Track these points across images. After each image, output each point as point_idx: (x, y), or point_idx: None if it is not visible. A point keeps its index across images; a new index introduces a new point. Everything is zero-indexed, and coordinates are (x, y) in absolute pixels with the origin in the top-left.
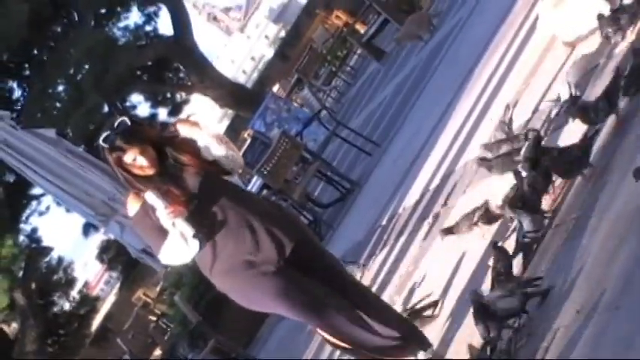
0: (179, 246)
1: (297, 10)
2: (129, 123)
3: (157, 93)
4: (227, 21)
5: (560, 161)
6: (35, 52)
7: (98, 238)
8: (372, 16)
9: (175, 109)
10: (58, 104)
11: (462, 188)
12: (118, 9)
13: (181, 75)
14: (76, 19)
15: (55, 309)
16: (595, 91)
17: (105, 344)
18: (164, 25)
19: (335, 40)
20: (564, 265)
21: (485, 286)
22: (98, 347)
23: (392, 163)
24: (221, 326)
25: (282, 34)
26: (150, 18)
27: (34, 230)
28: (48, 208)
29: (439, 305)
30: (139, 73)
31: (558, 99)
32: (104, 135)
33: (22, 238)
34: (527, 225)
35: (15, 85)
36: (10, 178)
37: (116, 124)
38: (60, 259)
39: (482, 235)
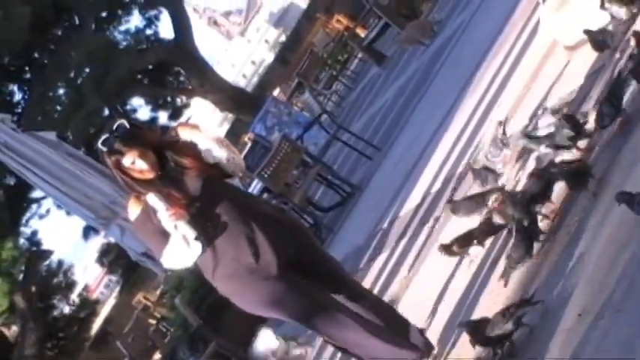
0: (181, 249)
1: (297, 15)
2: (127, 126)
3: (157, 97)
4: (227, 25)
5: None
6: (36, 55)
7: (98, 241)
8: (372, 20)
9: (176, 113)
10: (58, 107)
11: (462, 192)
12: (119, 12)
13: (182, 79)
14: (77, 22)
15: (55, 312)
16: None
17: (105, 347)
18: (165, 29)
19: (336, 44)
20: (566, 268)
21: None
22: (98, 350)
23: (393, 167)
24: (222, 329)
25: (283, 38)
26: (151, 22)
27: (35, 233)
28: (48, 211)
29: None
30: (139, 76)
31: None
32: (102, 138)
33: (22, 241)
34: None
35: (16, 88)
36: (11, 181)
37: (115, 127)
38: (60, 263)
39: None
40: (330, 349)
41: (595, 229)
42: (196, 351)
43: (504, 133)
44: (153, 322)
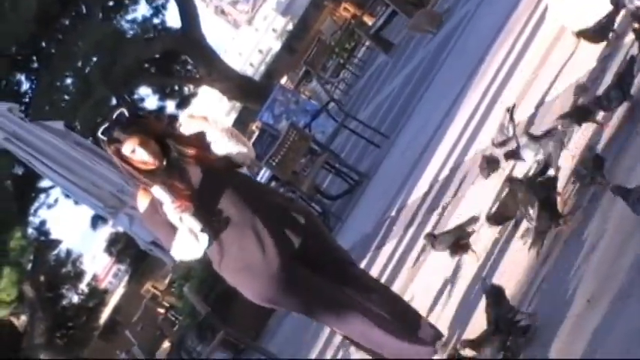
0: (189, 241)
1: (304, 3)
2: (127, 114)
3: (164, 86)
4: (234, 14)
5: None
6: (43, 44)
7: (106, 230)
8: (380, 7)
9: (183, 102)
10: (66, 97)
11: (471, 179)
12: (126, 2)
13: (189, 67)
14: (84, 11)
15: (64, 302)
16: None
17: (114, 337)
18: (172, 17)
19: (343, 32)
20: (574, 254)
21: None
22: (107, 340)
23: (400, 155)
24: (230, 318)
25: (290, 26)
26: (158, 11)
27: (43, 223)
28: (56, 200)
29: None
30: (146, 65)
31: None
32: (103, 127)
33: (30, 230)
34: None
35: (23, 77)
36: (19, 171)
37: (115, 116)
38: (68, 252)
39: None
40: (337, 340)
41: (603, 215)
42: (205, 339)
43: (512, 119)
44: (161, 311)
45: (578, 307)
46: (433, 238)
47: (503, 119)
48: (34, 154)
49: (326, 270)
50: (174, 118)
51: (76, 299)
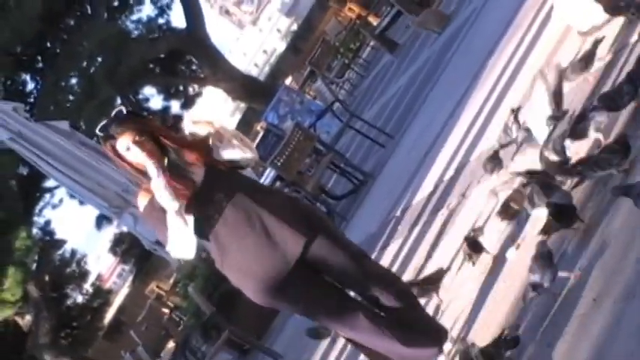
0: (181, 238)
1: (309, 4)
2: (124, 111)
3: (169, 85)
4: (239, 14)
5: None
6: (48, 44)
7: (111, 230)
8: (385, 8)
9: (188, 102)
10: (71, 97)
11: (476, 179)
12: (131, 2)
13: (194, 67)
14: (89, 12)
15: (69, 301)
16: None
17: (118, 336)
18: (177, 17)
19: (348, 33)
20: (580, 253)
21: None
22: (111, 339)
23: (405, 155)
24: (234, 318)
25: (294, 27)
26: (162, 11)
27: (48, 223)
28: (61, 200)
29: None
30: (151, 65)
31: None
32: (101, 124)
33: (35, 230)
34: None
35: (28, 77)
36: (24, 171)
37: (113, 113)
38: (73, 252)
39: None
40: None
41: (611, 213)
42: (209, 339)
43: (517, 120)
44: (166, 311)
45: (584, 306)
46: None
47: (508, 120)
48: (39, 153)
49: (334, 269)
50: (178, 119)
51: (80, 299)
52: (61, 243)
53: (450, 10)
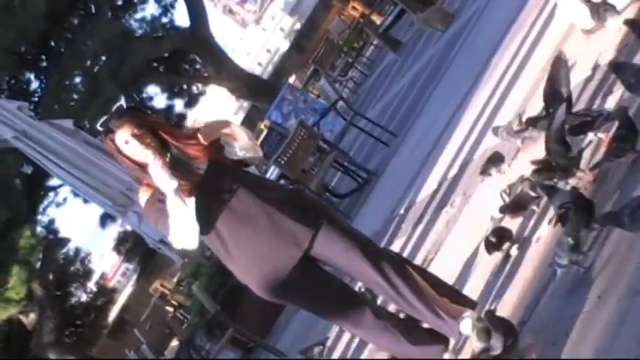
0: (183, 225)
1: (312, 3)
2: (124, 106)
3: (173, 84)
4: (242, 13)
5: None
6: (52, 43)
7: (115, 229)
8: (388, 6)
9: (192, 101)
10: (75, 96)
11: (479, 177)
12: (135, 1)
13: (198, 66)
14: (93, 10)
15: (73, 300)
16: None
17: (122, 335)
18: (181, 16)
19: (351, 31)
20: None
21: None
22: (115, 338)
23: (409, 153)
24: (239, 316)
25: (298, 26)
26: (166, 9)
27: (52, 221)
28: (65, 199)
29: None
30: (155, 64)
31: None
32: (102, 120)
33: (39, 229)
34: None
35: (32, 76)
36: (28, 170)
37: (113, 109)
38: (77, 251)
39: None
40: (345, 338)
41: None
42: (213, 337)
43: (521, 123)
44: (170, 309)
45: (589, 304)
46: None
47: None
48: (44, 152)
49: (342, 257)
50: (182, 117)
51: (84, 298)
52: (65, 241)
53: (453, 8)
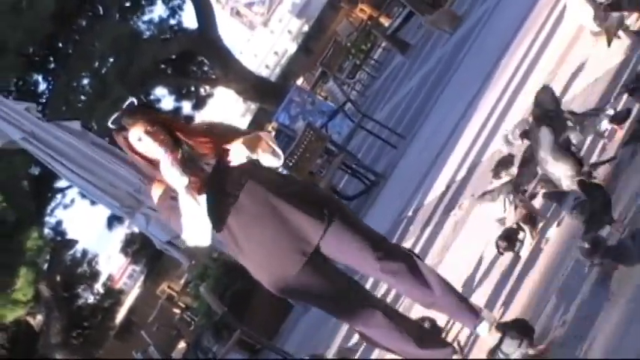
0: (195, 222)
1: (319, 5)
2: (135, 103)
3: (181, 86)
4: (250, 16)
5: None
6: (60, 45)
7: (122, 231)
8: (396, 8)
9: (199, 103)
10: (82, 97)
11: (488, 179)
12: (143, 2)
13: (205, 68)
14: (101, 12)
15: (80, 302)
16: None
17: (129, 337)
18: (188, 18)
19: (359, 33)
20: None
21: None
22: (122, 340)
23: (417, 155)
24: (246, 318)
25: (305, 28)
26: (174, 11)
27: (59, 223)
28: (73, 201)
29: None
30: (163, 66)
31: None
32: (113, 117)
33: (47, 230)
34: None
35: (40, 77)
36: (36, 171)
37: (125, 106)
38: (84, 252)
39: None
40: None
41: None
42: (221, 339)
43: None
44: (177, 311)
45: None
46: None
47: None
48: (51, 153)
49: (354, 251)
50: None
51: (91, 299)
52: (72, 243)
53: (462, 10)
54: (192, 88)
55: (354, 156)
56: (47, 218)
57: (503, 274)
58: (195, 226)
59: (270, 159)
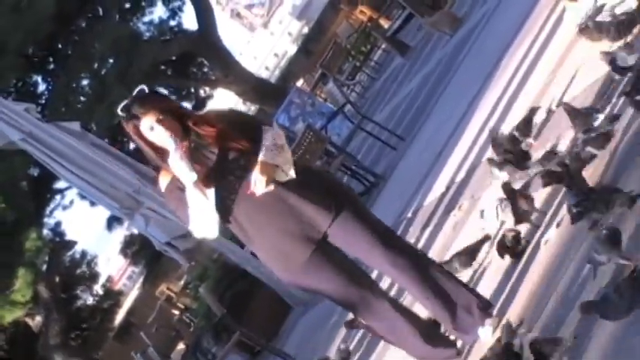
0: (202, 215)
1: (320, 7)
2: (146, 90)
3: (181, 87)
4: (250, 17)
5: None
6: (60, 45)
7: (121, 232)
8: (396, 10)
9: (199, 104)
10: (82, 98)
11: (487, 180)
12: (143, 3)
13: (205, 70)
14: (101, 13)
15: (79, 303)
16: None
17: (128, 338)
18: (188, 20)
19: (359, 35)
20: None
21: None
22: (121, 341)
23: (417, 157)
24: (245, 319)
25: (305, 30)
26: (174, 13)
27: (58, 224)
28: (72, 202)
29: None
30: (163, 67)
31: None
32: (122, 105)
33: (46, 231)
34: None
35: (40, 78)
36: (35, 172)
37: (135, 93)
38: (83, 253)
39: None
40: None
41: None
42: (220, 340)
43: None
44: (176, 312)
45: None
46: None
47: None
48: (51, 154)
49: (362, 243)
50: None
51: (90, 301)
52: (71, 244)
53: (462, 12)
54: (192, 90)
55: (354, 157)
56: (46, 219)
57: (503, 275)
58: (202, 219)
59: (282, 178)
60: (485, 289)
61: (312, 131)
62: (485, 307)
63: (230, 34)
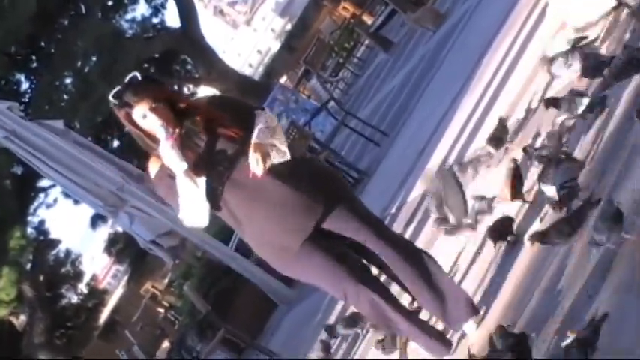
0: (192, 203)
1: (303, 3)
2: (139, 77)
3: None
4: (233, 14)
5: None
6: (43, 44)
7: (105, 231)
8: (379, 7)
9: None
10: (65, 96)
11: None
12: (125, 1)
13: (188, 67)
14: (84, 11)
15: (63, 301)
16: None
17: (113, 336)
18: (171, 17)
19: (342, 31)
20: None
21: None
22: (106, 339)
23: (401, 152)
24: (230, 316)
25: (288, 27)
26: (157, 10)
27: (42, 222)
28: (56, 200)
29: None
30: (146, 65)
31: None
32: (114, 91)
33: (30, 230)
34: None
35: (23, 77)
36: (19, 171)
37: (127, 79)
38: (68, 252)
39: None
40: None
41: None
42: (205, 338)
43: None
44: (161, 310)
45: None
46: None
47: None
48: (34, 152)
49: (352, 235)
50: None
51: (75, 299)
52: (55, 243)
53: (444, 8)
54: (176, 87)
55: (338, 154)
56: (30, 218)
57: (486, 270)
58: (193, 207)
59: (279, 159)
60: (470, 285)
61: (296, 128)
62: (472, 302)
63: (213, 31)
